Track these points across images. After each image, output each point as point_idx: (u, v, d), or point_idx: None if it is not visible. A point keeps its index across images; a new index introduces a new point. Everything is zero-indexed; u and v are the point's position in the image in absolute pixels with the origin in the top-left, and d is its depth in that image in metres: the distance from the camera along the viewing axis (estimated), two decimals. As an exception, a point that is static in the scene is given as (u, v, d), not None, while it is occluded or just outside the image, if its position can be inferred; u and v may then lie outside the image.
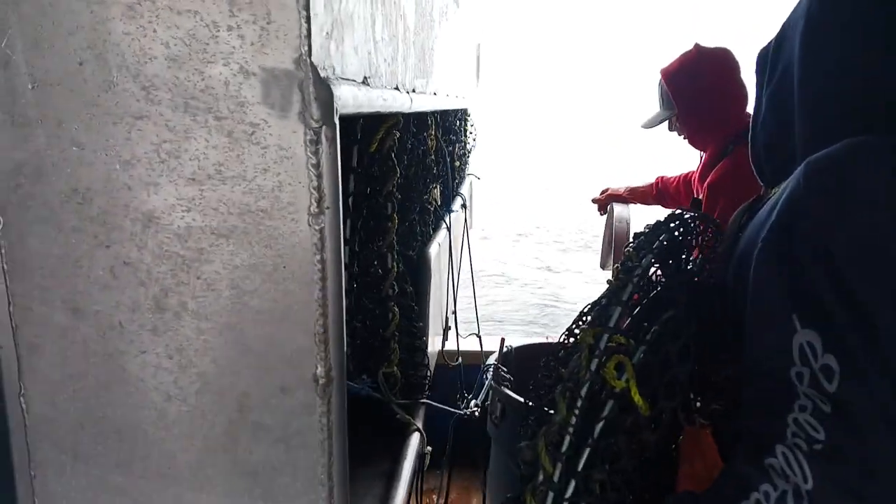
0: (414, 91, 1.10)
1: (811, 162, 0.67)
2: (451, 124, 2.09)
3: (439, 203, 1.73)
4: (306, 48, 0.55)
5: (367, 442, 1.30)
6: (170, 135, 0.58)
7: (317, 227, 0.58)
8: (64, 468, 0.66)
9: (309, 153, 0.57)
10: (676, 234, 0.89)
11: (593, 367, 0.81)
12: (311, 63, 0.56)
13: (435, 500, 2.97)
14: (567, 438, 0.81)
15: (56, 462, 0.66)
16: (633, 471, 0.81)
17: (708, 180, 2.05)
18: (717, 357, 0.83)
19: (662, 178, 2.61)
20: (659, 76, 2.16)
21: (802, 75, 0.77)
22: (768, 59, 0.84)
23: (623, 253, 0.89)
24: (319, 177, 0.57)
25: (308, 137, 0.57)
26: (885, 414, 0.60)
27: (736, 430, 0.74)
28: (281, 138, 0.57)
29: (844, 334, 0.61)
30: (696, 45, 2.10)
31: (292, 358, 0.62)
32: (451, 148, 2.04)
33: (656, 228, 0.89)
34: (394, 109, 0.91)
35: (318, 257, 0.59)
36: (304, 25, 0.55)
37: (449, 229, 1.88)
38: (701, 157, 2.26)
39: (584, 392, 0.81)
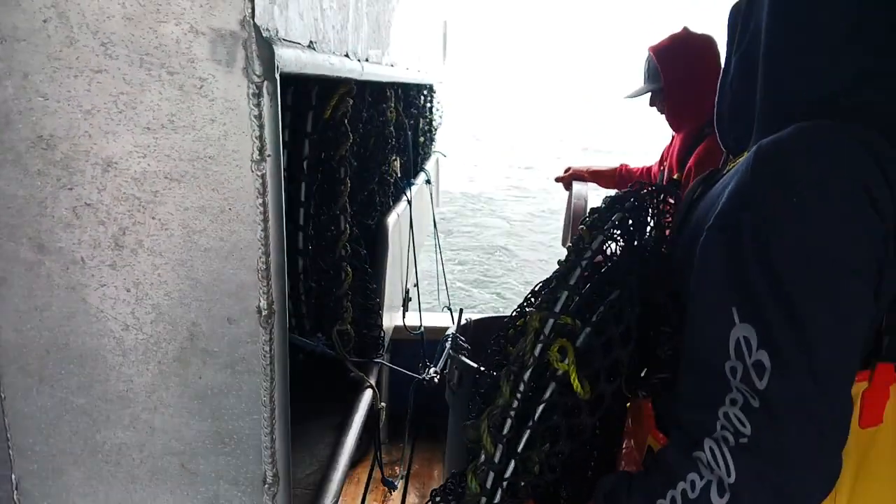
0: (367, 60, 1.17)
1: (761, 148, 0.66)
2: (414, 99, 2.16)
3: (399, 175, 1.80)
4: (250, 10, 0.62)
5: (321, 399, 1.37)
6: (127, 87, 0.65)
7: (259, 173, 0.66)
8: (31, 390, 0.73)
9: (252, 105, 0.64)
10: (631, 211, 0.88)
11: (537, 352, 0.82)
12: (255, 24, 0.63)
13: (398, 471, 3.06)
14: (508, 421, 0.84)
15: (24, 385, 0.73)
16: (571, 452, 0.84)
17: (694, 159, 2.12)
18: (660, 330, 0.84)
19: (626, 166, 2.70)
20: (648, 52, 2.24)
21: (768, 44, 0.74)
22: (740, 16, 0.81)
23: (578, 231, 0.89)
24: (261, 127, 0.64)
25: (251, 91, 0.64)
26: (807, 411, 0.61)
27: (672, 413, 0.76)
28: (227, 92, 0.64)
29: (777, 332, 0.61)
30: (685, 28, 2.18)
31: (237, 292, 0.69)
32: (412, 122, 2.11)
33: (611, 206, 0.88)
34: (343, 74, 0.98)
35: (260, 201, 0.66)
36: (248, -10, 0.62)
37: (409, 202, 1.95)
38: (671, 141, 2.34)
39: (526, 377, 0.83)
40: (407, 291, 2.23)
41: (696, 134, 2.15)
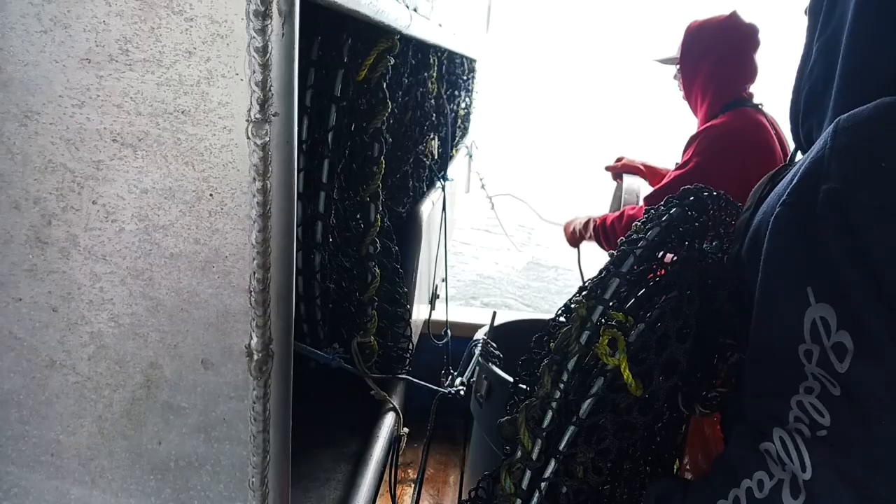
0: (416, 11, 0.92)
1: (841, 121, 0.62)
2: (456, 76, 1.89)
3: (436, 157, 1.56)
4: None
5: (335, 422, 1.16)
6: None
7: (258, 142, 0.41)
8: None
9: (253, 31, 0.39)
10: (691, 208, 0.83)
11: (583, 339, 0.76)
12: None
13: (411, 474, 2.87)
14: (549, 414, 0.78)
15: None
16: (618, 454, 0.78)
17: (693, 148, 1.95)
18: (722, 342, 0.79)
19: None
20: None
21: (849, 42, 0.70)
22: (824, 1, 0.76)
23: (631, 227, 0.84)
24: (266, 67, 0.40)
25: (253, 8, 0.39)
26: None
27: (737, 414, 0.71)
28: (214, 6, 0.39)
29: (862, 311, 0.56)
30: (734, 12, 2.03)
31: (218, 322, 0.45)
32: (454, 99, 1.85)
33: (668, 203, 0.83)
34: (388, 22, 0.74)
35: (258, 184, 0.42)
36: None
37: (444, 190, 1.71)
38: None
39: (570, 365, 0.77)
40: (435, 288, 2.00)
41: (712, 115, 1.99)
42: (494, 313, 1.99)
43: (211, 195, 0.43)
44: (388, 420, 1.17)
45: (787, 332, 0.61)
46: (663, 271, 0.82)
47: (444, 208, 1.74)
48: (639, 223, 0.84)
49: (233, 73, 0.40)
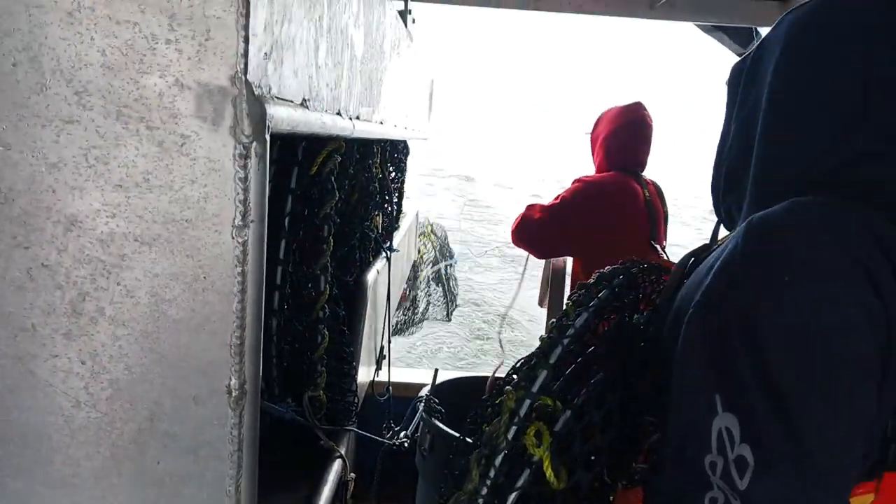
0: (358, 118, 1.13)
1: (751, 223, 0.62)
2: (397, 155, 2.13)
3: (380, 231, 1.75)
4: (242, 66, 0.57)
5: (288, 467, 1.28)
6: (100, 140, 0.59)
7: (240, 240, 0.60)
8: (-40, 472, 0.64)
9: (237, 167, 0.59)
10: (620, 288, 0.84)
11: (510, 435, 0.77)
12: (247, 81, 0.58)
13: (362, 533, 2.92)
14: None
15: (-48, 465, 0.64)
16: None
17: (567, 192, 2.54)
18: (643, 419, 0.80)
19: None
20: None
21: (767, 117, 0.70)
22: (742, 75, 0.76)
23: (560, 297, 0.88)
24: (246, 190, 0.59)
25: (238, 152, 0.58)
26: None
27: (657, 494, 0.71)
28: (211, 151, 0.59)
29: (762, 424, 0.55)
30: (637, 103, 2.52)
31: (207, 368, 0.62)
32: (396, 177, 2.07)
33: (598, 282, 0.85)
34: (334, 133, 0.94)
35: (238, 269, 0.60)
36: (242, 45, 0.57)
37: (388, 260, 1.90)
38: None
39: (498, 462, 0.78)
40: (381, 349, 2.15)
41: None
42: (436, 371, 2.16)
43: (204, 277, 0.61)
44: (336, 466, 1.31)
45: (696, 438, 0.61)
46: (593, 341, 0.82)
47: (388, 276, 1.92)
48: (569, 302, 0.85)
49: (223, 194, 0.59)
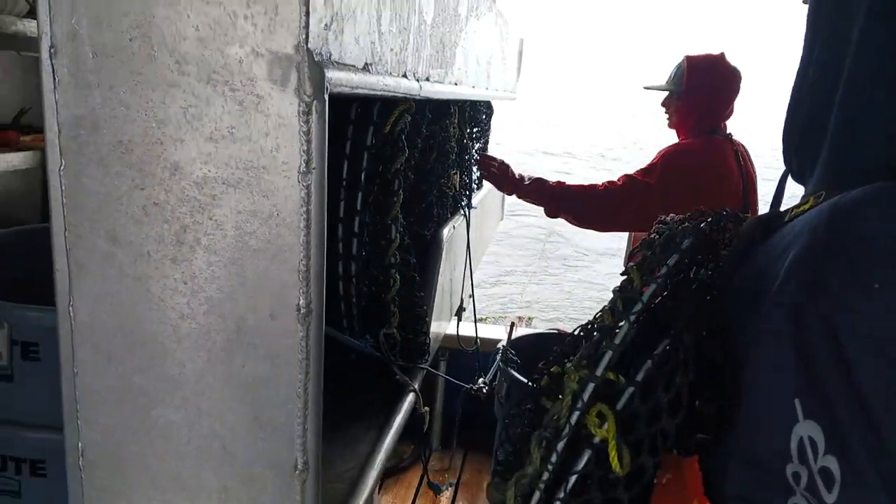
0: (427, 80, 1.23)
1: (835, 212, 0.57)
2: (479, 116, 2.21)
3: (457, 189, 1.85)
4: (304, 36, 0.69)
5: (367, 399, 1.43)
6: (195, 101, 0.72)
7: (304, 184, 0.72)
8: (99, 368, 0.82)
9: (301, 122, 0.70)
10: (689, 251, 0.77)
11: (573, 419, 0.74)
12: (308, 49, 0.69)
13: (448, 478, 3.11)
14: (536, 494, 0.77)
15: (93, 362, 0.82)
16: None
17: (660, 156, 2.33)
18: (703, 392, 0.75)
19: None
20: (683, 58, 2.42)
21: (851, 69, 0.61)
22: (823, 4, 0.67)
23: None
24: (309, 142, 0.71)
25: (301, 109, 0.70)
26: None
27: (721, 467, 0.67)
28: (280, 108, 0.71)
29: (847, 434, 0.51)
30: (723, 53, 2.30)
31: (280, 290, 0.75)
32: (476, 138, 2.16)
33: (666, 245, 0.77)
34: (399, 94, 1.04)
35: (304, 209, 0.73)
36: (304, 18, 0.68)
37: (467, 217, 2.00)
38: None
39: (560, 447, 0.75)
40: (462, 301, 2.27)
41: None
42: (512, 323, 2.25)
43: (277, 214, 0.74)
44: (409, 399, 1.44)
45: (775, 445, 0.57)
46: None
47: (468, 231, 2.02)
48: (633, 266, 0.79)
49: (290, 145, 0.71)
